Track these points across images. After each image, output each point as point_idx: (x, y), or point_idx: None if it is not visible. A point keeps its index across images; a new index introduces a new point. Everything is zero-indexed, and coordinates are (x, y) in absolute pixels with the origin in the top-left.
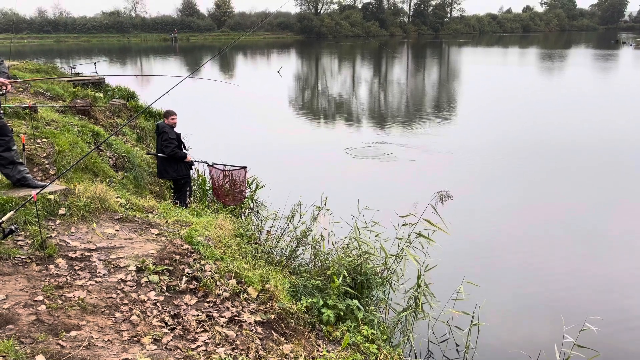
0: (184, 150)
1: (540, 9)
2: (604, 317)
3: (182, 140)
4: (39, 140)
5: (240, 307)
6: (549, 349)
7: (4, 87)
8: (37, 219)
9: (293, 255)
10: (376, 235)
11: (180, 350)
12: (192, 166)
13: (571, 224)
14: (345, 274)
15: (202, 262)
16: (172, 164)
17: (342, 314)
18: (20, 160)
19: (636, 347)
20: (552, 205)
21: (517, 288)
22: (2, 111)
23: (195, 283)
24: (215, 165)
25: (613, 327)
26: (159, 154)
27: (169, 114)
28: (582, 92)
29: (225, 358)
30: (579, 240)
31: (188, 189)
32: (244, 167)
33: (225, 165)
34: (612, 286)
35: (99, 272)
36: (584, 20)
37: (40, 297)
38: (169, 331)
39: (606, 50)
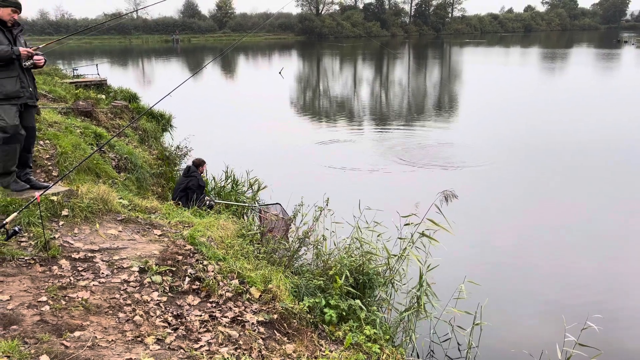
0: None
1: (541, 8)
2: (605, 315)
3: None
4: (41, 142)
5: (243, 307)
6: (551, 348)
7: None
8: (40, 220)
9: (295, 256)
10: (378, 235)
11: (184, 350)
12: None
13: (573, 223)
14: (348, 274)
15: (205, 262)
16: (189, 198)
17: (344, 314)
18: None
19: (638, 345)
20: (553, 205)
21: (518, 287)
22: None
23: (198, 283)
24: (263, 216)
25: (615, 325)
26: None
27: (203, 163)
28: (585, 92)
29: (228, 358)
30: (580, 240)
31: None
32: (291, 219)
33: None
34: (613, 285)
35: (102, 273)
36: (586, 19)
37: (44, 298)
38: (172, 331)
39: (608, 49)
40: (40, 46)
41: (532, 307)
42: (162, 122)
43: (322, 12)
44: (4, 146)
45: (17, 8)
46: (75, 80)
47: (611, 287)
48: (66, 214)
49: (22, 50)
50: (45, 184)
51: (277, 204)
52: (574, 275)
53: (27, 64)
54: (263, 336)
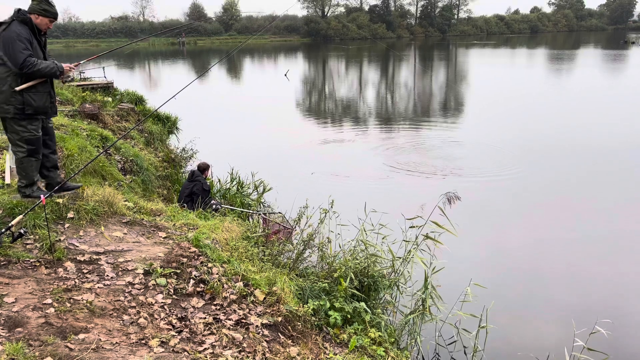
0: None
1: (548, 9)
2: (614, 320)
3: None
4: None
5: (247, 310)
6: (559, 352)
7: (66, 74)
8: (46, 223)
9: (300, 258)
10: (383, 238)
11: (188, 352)
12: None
13: (581, 226)
14: (352, 276)
15: (209, 265)
16: (194, 202)
17: (349, 316)
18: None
19: None
20: (561, 208)
21: (526, 290)
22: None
23: (203, 286)
24: (268, 219)
25: (623, 330)
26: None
27: (207, 168)
28: (593, 93)
29: None
30: (588, 243)
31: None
32: (293, 228)
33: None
34: (623, 289)
35: (107, 275)
36: (593, 20)
37: (49, 300)
38: (177, 334)
39: (615, 50)
40: (82, 62)
41: (539, 311)
42: (168, 124)
43: (328, 14)
44: (30, 158)
45: (55, 18)
46: (82, 83)
47: (621, 291)
48: (72, 216)
49: (66, 66)
50: (75, 184)
51: (279, 213)
52: (583, 279)
53: (67, 80)
54: (267, 339)
